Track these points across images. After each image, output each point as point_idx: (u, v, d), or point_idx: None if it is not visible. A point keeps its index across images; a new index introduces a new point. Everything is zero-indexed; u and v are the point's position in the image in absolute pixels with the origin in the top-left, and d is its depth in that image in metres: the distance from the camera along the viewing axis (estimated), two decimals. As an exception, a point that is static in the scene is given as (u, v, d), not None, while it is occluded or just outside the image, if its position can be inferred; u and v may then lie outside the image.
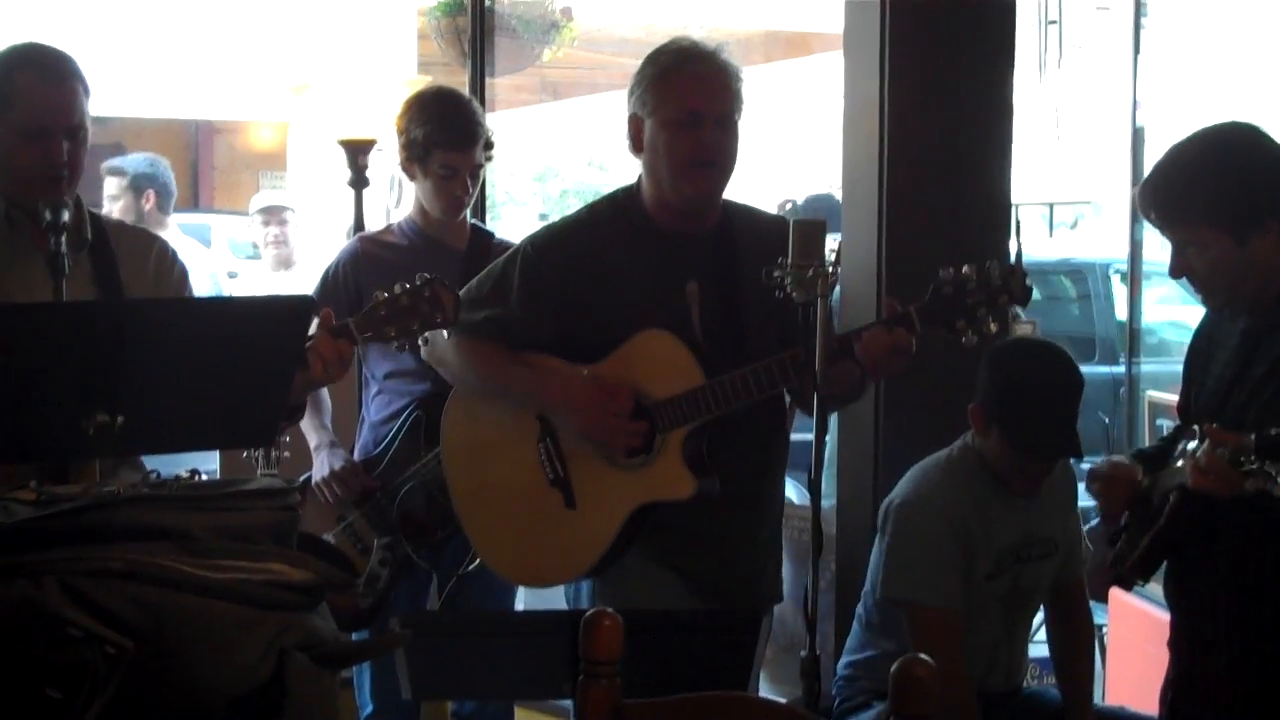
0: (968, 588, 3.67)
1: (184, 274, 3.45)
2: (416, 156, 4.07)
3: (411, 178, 4.16)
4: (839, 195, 5.96)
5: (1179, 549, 2.95)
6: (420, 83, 6.13)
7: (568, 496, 3.43)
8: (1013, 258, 3.15)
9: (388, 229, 4.35)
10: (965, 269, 3.08)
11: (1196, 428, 2.85)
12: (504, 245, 4.20)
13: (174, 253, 3.46)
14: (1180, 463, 2.88)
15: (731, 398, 3.28)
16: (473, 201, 4.17)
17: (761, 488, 3.58)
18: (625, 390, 3.35)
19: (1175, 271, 3.02)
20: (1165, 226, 3.00)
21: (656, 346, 3.38)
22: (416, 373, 3.99)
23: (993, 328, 3.08)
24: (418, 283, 3.14)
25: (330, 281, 4.15)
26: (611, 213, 3.55)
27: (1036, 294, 11.44)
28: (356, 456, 4.13)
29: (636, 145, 3.45)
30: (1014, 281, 3.07)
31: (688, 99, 3.35)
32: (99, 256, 3.25)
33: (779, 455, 3.68)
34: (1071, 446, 3.56)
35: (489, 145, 4.13)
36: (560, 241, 3.56)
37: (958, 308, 3.08)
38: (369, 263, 4.13)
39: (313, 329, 3.04)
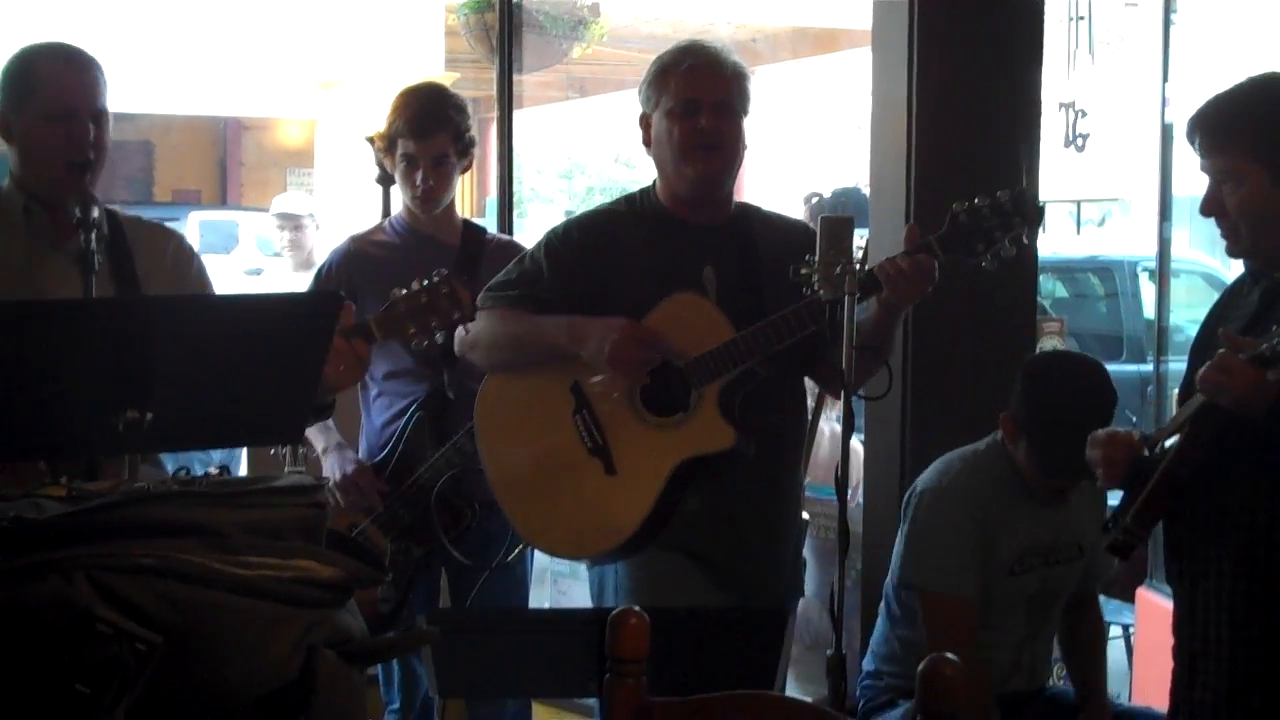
0: (989, 581, 3.67)
1: (201, 269, 3.48)
2: (388, 149, 4.12)
3: (392, 171, 4.18)
4: (865, 189, 5.96)
5: (1185, 495, 2.91)
6: (447, 80, 6.15)
7: (608, 463, 3.45)
8: (1024, 182, 3.24)
9: (379, 227, 4.36)
10: (977, 200, 3.21)
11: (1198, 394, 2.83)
12: (496, 241, 4.23)
13: (190, 248, 3.50)
14: (1185, 408, 2.86)
15: (763, 345, 3.34)
16: (447, 197, 4.14)
17: (779, 473, 3.60)
18: (654, 332, 3.40)
19: (1206, 206, 3.01)
20: (1207, 153, 3.00)
21: (686, 307, 3.44)
22: (416, 372, 3.99)
23: (1012, 251, 3.21)
24: (435, 279, 3.14)
25: (323, 282, 4.15)
26: (629, 207, 3.67)
27: (1064, 291, 11.39)
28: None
29: (647, 141, 3.59)
30: (1025, 205, 3.22)
31: (685, 89, 3.48)
32: (116, 252, 3.27)
33: (795, 443, 3.73)
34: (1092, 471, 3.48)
35: (459, 139, 4.09)
36: (582, 230, 3.65)
37: (976, 233, 3.21)
38: (362, 261, 4.13)
39: None
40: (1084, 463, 3.40)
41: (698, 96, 3.47)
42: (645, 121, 3.57)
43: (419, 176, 4.05)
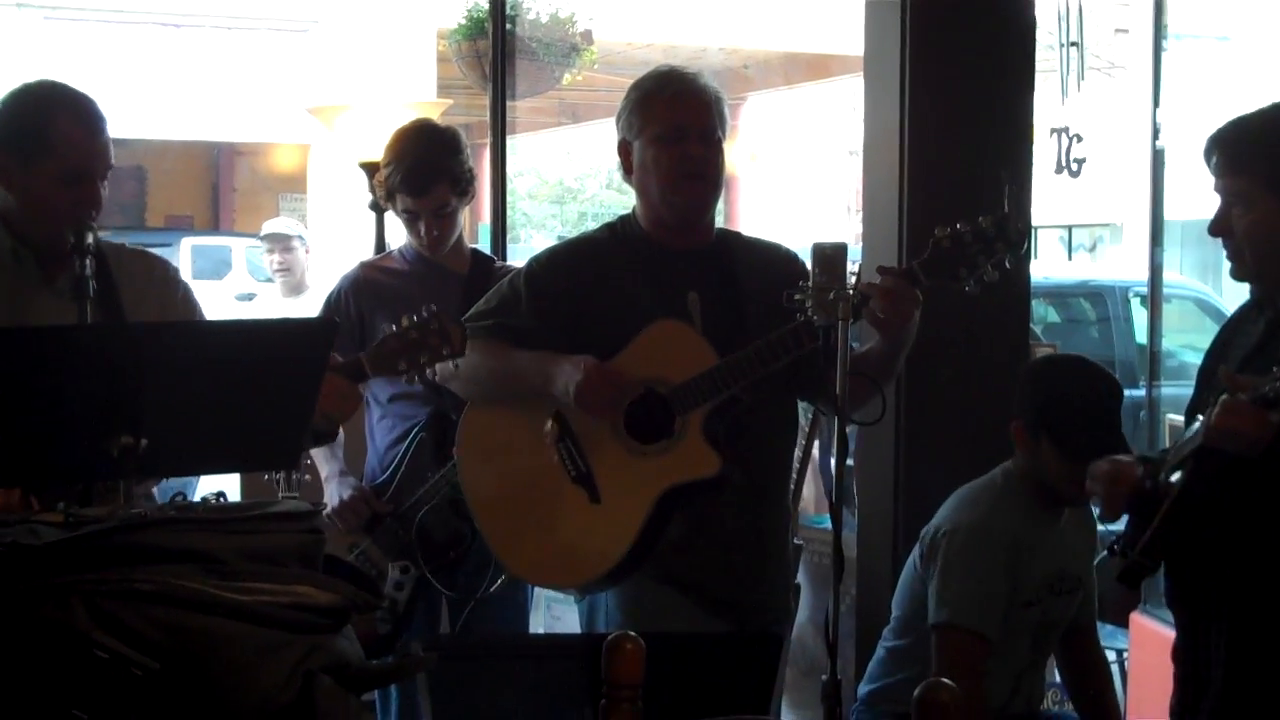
0: (1006, 616, 3.67)
1: (188, 294, 3.46)
2: (386, 197, 4.13)
3: (394, 212, 4.18)
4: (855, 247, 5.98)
5: (1193, 527, 2.91)
6: (440, 106, 6.16)
7: (591, 492, 3.44)
8: (1006, 207, 3.27)
9: (388, 255, 4.36)
10: (959, 225, 3.21)
11: (1201, 416, 2.84)
12: (505, 269, 4.22)
13: (176, 272, 3.48)
14: (1189, 439, 2.86)
15: (746, 371, 3.33)
16: (454, 236, 4.13)
17: (765, 497, 3.59)
18: (633, 380, 3.40)
19: (1215, 227, 3.01)
20: (1222, 174, 2.99)
21: (669, 334, 3.43)
22: (421, 395, 3.98)
23: (995, 276, 3.22)
24: (424, 315, 3.16)
25: (332, 309, 4.14)
26: (610, 235, 3.65)
27: (1056, 316, 11.37)
28: (364, 482, 4.12)
29: (627, 168, 3.58)
30: (1008, 229, 3.21)
31: (671, 115, 3.48)
32: (100, 284, 3.25)
33: (784, 466, 3.72)
34: (1121, 446, 3.49)
35: (458, 183, 4.07)
36: (563, 258, 3.65)
37: (958, 257, 3.21)
38: (371, 289, 4.14)
39: None
40: (1107, 443, 3.45)
41: (684, 123, 3.47)
42: (625, 149, 3.56)
43: (421, 228, 4.06)
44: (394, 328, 3.17)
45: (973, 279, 3.21)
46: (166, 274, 3.44)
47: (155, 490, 3.26)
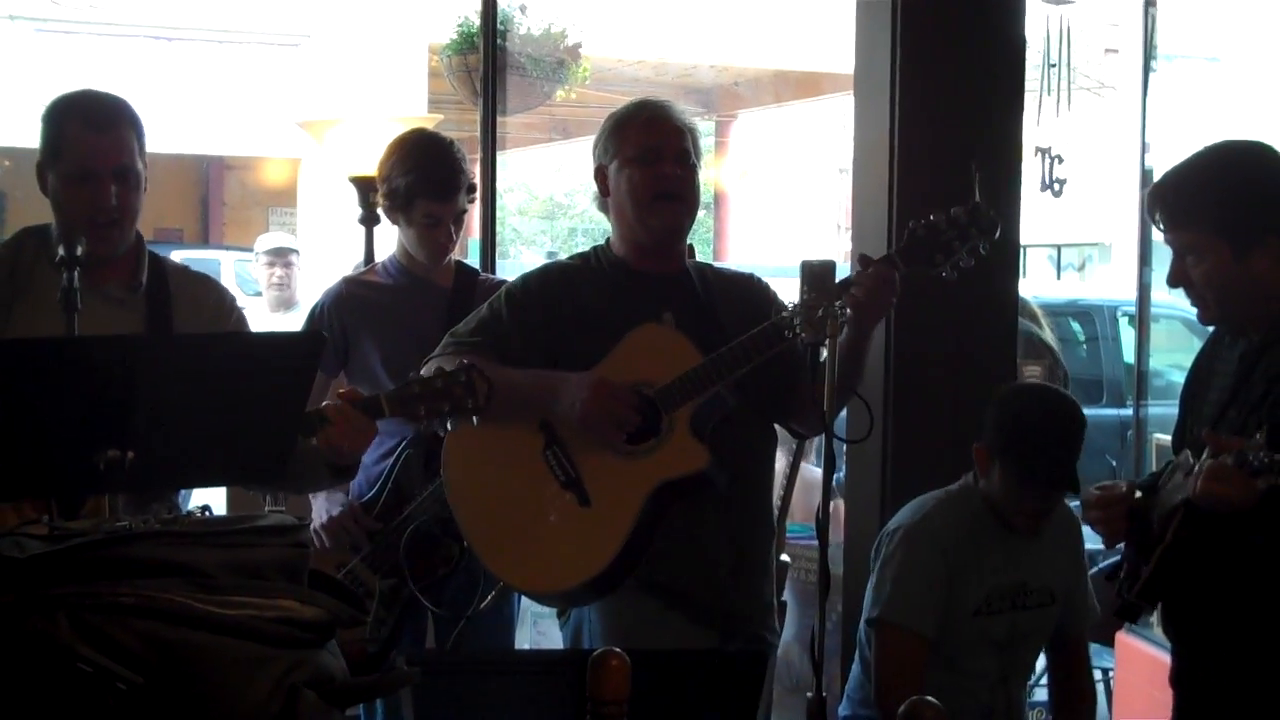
0: (951, 621, 3.68)
1: (241, 322, 3.51)
2: (399, 205, 4.08)
3: (395, 223, 4.16)
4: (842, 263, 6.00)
5: (1186, 569, 2.93)
6: (430, 121, 6.17)
7: (581, 495, 3.44)
8: (977, 196, 3.37)
9: (371, 269, 4.35)
10: (933, 216, 3.34)
11: (1188, 450, 2.86)
12: (489, 282, 4.23)
13: (233, 301, 3.53)
14: (1180, 478, 2.87)
15: (730, 366, 3.38)
16: (457, 244, 4.16)
17: (747, 507, 3.60)
18: (627, 389, 3.42)
19: (1172, 279, 3.07)
20: (1169, 229, 3.03)
21: (652, 338, 3.48)
22: None
23: (970, 262, 3.34)
24: (456, 370, 3.15)
25: (316, 323, 4.13)
26: (584, 263, 3.70)
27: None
28: (350, 498, 4.09)
29: (603, 192, 3.63)
30: (980, 217, 3.34)
31: (645, 137, 3.55)
32: (155, 298, 3.31)
33: (764, 480, 3.74)
34: (1067, 482, 3.59)
35: (470, 190, 4.13)
36: (540, 281, 3.68)
37: (933, 244, 3.34)
38: (354, 304, 4.12)
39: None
40: (1053, 476, 3.57)
41: (658, 145, 3.53)
42: (601, 174, 3.62)
43: (443, 234, 4.07)
44: (421, 375, 3.17)
45: (949, 264, 3.33)
46: (222, 300, 3.49)
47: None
